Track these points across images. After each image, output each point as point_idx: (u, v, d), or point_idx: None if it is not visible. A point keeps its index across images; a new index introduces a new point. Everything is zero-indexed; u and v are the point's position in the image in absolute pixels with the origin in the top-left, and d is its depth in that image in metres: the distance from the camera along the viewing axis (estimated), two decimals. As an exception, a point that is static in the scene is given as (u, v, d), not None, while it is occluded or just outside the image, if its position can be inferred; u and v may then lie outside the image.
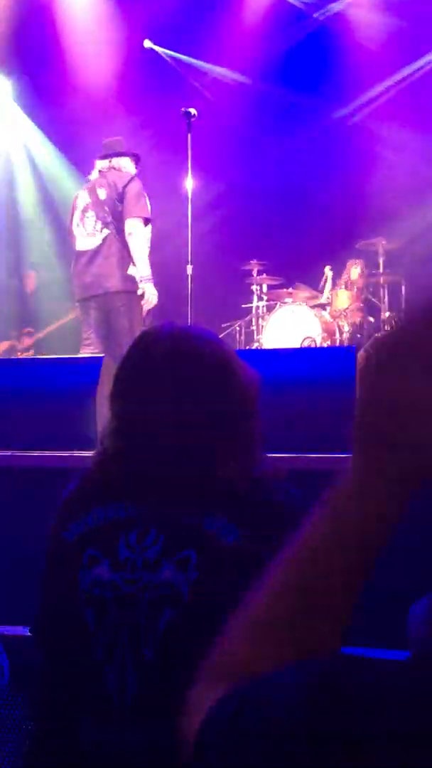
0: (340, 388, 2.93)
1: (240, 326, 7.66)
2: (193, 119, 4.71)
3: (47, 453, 2.99)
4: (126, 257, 4.61)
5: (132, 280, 4.58)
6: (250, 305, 7.63)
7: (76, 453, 2.93)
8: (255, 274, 7.55)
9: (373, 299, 7.42)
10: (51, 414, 3.25)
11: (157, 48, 8.54)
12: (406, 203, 7.66)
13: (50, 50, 7.97)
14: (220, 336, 6.97)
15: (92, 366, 3.40)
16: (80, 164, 7.54)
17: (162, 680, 1.11)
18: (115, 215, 4.61)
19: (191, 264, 4.87)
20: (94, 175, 4.89)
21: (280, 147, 8.04)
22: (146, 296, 4.61)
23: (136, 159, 4.88)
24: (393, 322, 7.18)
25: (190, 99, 7.83)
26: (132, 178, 4.57)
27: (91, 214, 4.68)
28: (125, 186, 4.55)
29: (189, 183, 4.91)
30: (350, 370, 2.97)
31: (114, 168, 4.78)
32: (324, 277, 7.63)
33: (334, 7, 7.93)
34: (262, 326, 7.25)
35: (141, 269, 4.58)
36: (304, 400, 2.90)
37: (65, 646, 1.19)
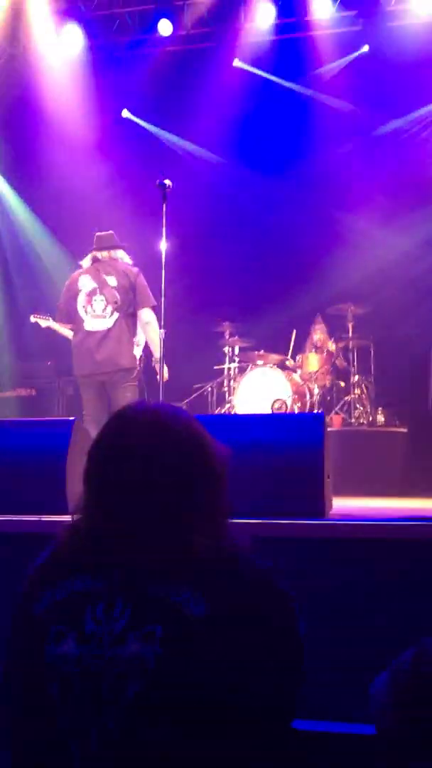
0: (308, 453, 2.99)
1: (212, 387, 7.75)
2: (168, 190, 4.88)
3: (16, 517, 2.98)
4: (131, 338, 5.22)
5: (135, 359, 5.22)
6: (222, 367, 7.74)
7: (46, 517, 2.93)
8: (227, 336, 7.69)
9: (343, 363, 7.57)
10: (21, 476, 3.26)
11: (134, 118, 8.87)
12: (374, 270, 7.91)
13: (30, 117, 8.20)
14: (193, 396, 7.09)
15: (63, 428, 3.42)
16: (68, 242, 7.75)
17: (127, 754, 1.11)
18: (125, 301, 5.20)
19: (163, 329, 4.98)
20: (86, 262, 5.41)
21: (253, 216, 8.30)
22: (165, 374, 5.13)
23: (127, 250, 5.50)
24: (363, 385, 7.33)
25: (167, 166, 8.14)
26: (139, 271, 5.12)
27: (100, 298, 5.19)
28: (137, 277, 5.15)
29: (163, 249, 5.05)
30: (318, 436, 3.04)
31: (113, 258, 5.37)
32: (290, 342, 7.79)
33: (310, 83, 8.32)
34: (234, 388, 7.35)
35: (156, 352, 5.18)
36: (272, 466, 2.95)
37: (29, 718, 1.19)
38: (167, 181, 4.89)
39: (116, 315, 5.20)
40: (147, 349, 5.50)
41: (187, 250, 7.57)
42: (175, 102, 8.44)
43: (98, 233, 5.51)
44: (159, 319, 5.04)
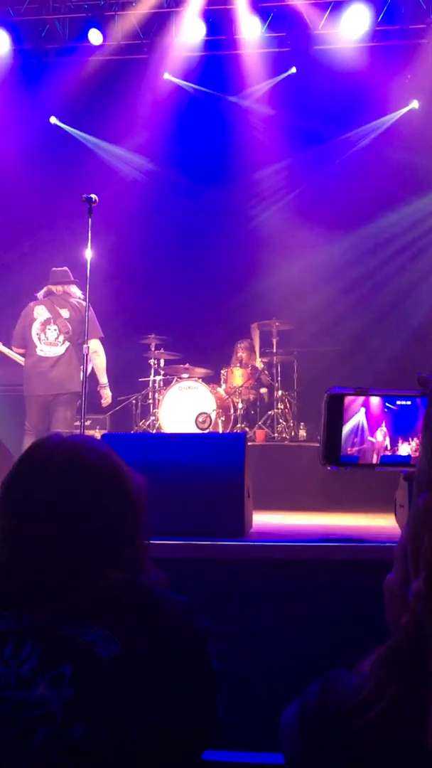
0: (228, 474, 3.01)
1: (137, 399, 7.71)
2: (94, 205, 4.86)
3: None
4: (79, 365, 5.73)
5: (80, 384, 5.61)
6: (147, 379, 7.71)
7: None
8: (153, 349, 7.67)
9: (267, 377, 7.67)
10: None
11: (62, 125, 8.78)
12: (298, 286, 8.06)
13: None
14: (117, 409, 7.04)
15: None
16: None
17: None
18: (76, 332, 5.72)
19: (87, 344, 4.95)
20: (41, 294, 6.01)
21: (180, 228, 8.33)
22: (106, 397, 6.12)
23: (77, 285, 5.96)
24: (287, 400, 7.44)
25: (94, 175, 8.08)
26: (89, 305, 5.46)
27: (53, 327, 5.81)
28: (87, 311, 5.43)
29: (89, 260, 5.02)
30: (239, 456, 3.07)
31: (66, 292, 5.94)
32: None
33: (238, 100, 8.44)
34: (159, 400, 7.33)
35: (102, 378, 6.00)
36: (192, 486, 2.96)
37: None
38: (93, 196, 4.88)
39: (67, 344, 5.79)
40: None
41: (113, 260, 7.53)
42: (105, 110, 8.40)
43: (54, 269, 6.04)
44: (80, 312, 5.35)
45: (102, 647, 1.15)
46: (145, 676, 1.15)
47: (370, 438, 1.24)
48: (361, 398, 1.23)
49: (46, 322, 5.82)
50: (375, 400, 1.23)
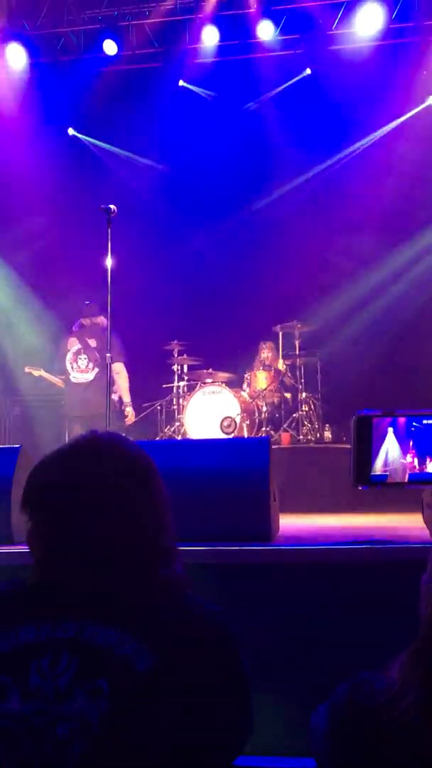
0: (253, 479, 3.01)
1: (161, 406, 7.73)
2: (112, 215, 4.89)
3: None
4: (107, 388, 6.12)
5: (111, 405, 6.02)
6: (171, 385, 7.74)
7: (-10, 549, 2.88)
8: (176, 355, 7.69)
9: (290, 380, 7.65)
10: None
11: (80, 136, 8.86)
12: (320, 288, 8.04)
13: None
14: (142, 415, 7.09)
15: (8, 457, 3.37)
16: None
17: None
18: (103, 359, 6.09)
19: (110, 353, 4.99)
20: (76, 327, 6.80)
21: (199, 233, 8.35)
22: (129, 415, 6.66)
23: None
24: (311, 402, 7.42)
25: (113, 184, 8.14)
26: (109, 329, 5.78)
27: (83, 357, 6.59)
28: (108, 331, 5.80)
29: (109, 271, 5.05)
30: (263, 461, 3.07)
31: (94, 324, 6.65)
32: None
33: (254, 104, 8.46)
34: (183, 406, 7.35)
35: (125, 397, 6.60)
36: (218, 492, 2.97)
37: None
38: (112, 206, 4.92)
39: (96, 370, 6.53)
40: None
41: (134, 268, 7.56)
42: (122, 120, 8.46)
43: (86, 303, 6.74)
44: (106, 339, 5.51)
45: (138, 660, 1.15)
46: (180, 688, 1.15)
47: (398, 457, 1.25)
48: (389, 418, 1.25)
49: (77, 352, 6.63)
50: (401, 420, 1.24)
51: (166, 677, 1.15)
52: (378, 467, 1.26)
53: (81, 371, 6.61)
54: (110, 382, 5.85)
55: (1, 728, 1.13)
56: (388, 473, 1.25)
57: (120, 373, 6.55)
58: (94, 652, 1.16)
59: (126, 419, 6.63)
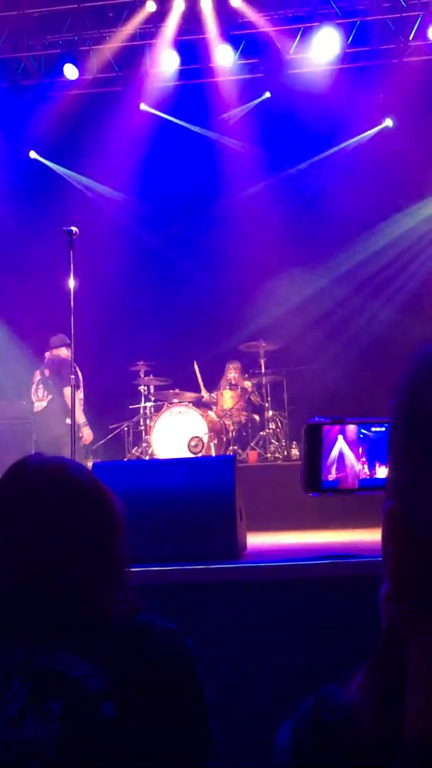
0: (219, 497, 3.01)
1: (128, 427, 7.70)
2: (74, 237, 4.90)
3: None
4: (59, 411, 6.81)
5: (66, 427, 6.45)
6: (138, 406, 7.71)
7: None
8: (142, 375, 7.68)
9: (257, 398, 7.69)
10: None
11: (42, 159, 8.87)
12: (284, 306, 8.12)
13: None
14: (109, 437, 7.05)
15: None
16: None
17: None
18: (56, 387, 6.88)
19: (74, 374, 4.99)
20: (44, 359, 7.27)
21: (163, 255, 8.40)
22: (85, 436, 6.88)
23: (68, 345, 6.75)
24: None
25: (75, 207, 8.15)
26: (71, 362, 6.16)
27: (41, 386, 7.08)
28: (65, 367, 6.47)
29: (72, 292, 5.05)
30: (229, 479, 3.07)
31: (55, 355, 7.03)
32: (196, 375, 7.87)
33: (212, 130, 8.58)
34: (151, 426, 7.33)
35: (79, 418, 6.56)
36: (184, 511, 2.96)
37: None
38: (73, 228, 4.93)
39: (50, 396, 6.95)
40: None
41: (97, 290, 7.56)
42: (83, 143, 8.50)
43: (52, 337, 7.08)
44: (58, 369, 6.08)
45: (90, 681, 1.13)
46: (134, 708, 1.14)
47: (348, 464, 1.27)
48: (338, 426, 1.27)
49: (37, 383, 7.15)
50: (351, 428, 1.26)
51: (119, 698, 1.13)
52: (328, 474, 1.28)
53: (39, 400, 7.11)
54: (71, 407, 6.14)
55: None
56: (338, 480, 1.27)
57: (67, 396, 6.65)
58: (46, 676, 1.14)
59: (82, 439, 6.76)
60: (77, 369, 6.46)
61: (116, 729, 1.11)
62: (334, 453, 1.25)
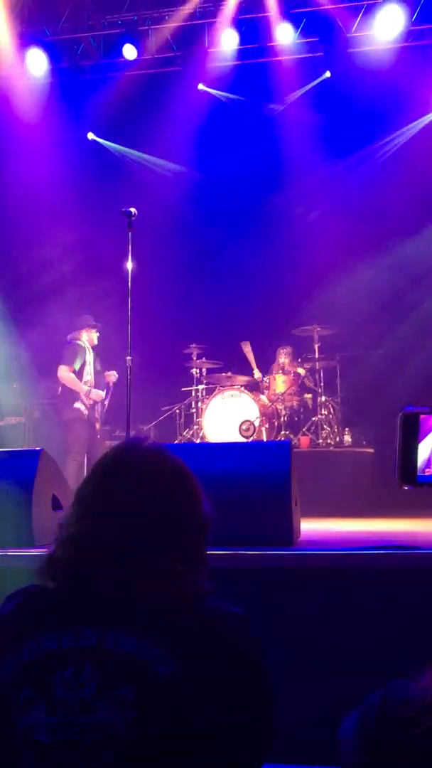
0: (275, 483, 2.99)
1: (180, 409, 7.73)
2: (133, 218, 4.89)
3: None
4: (64, 394, 6.79)
5: (68, 411, 6.72)
6: (190, 388, 7.73)
7: (11, 552, 2.88)
8: (194, 358, 7.69)
9: (310, 383, 7.62)
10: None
11: (100, 140, 8.90)
12: (339, 291, 7.99)
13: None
14: (161, 418, 7.09)
15: (29, 459, 3.38)
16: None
17: None
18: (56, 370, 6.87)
19: (130, 356, 4.99)
20: None
21: (219, 236, 8.35)
22: (93, 395, 6.76)
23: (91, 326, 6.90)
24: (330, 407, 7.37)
25: (133, 189, 8.16)
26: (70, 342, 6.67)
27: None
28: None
29: (129, 275, 5.06)
30: (285, 465, 3.05)
31: (72, 337, 6.86)
32: (248, 355, 7.84)
33: (273, 108, 8.45)
34: (202, 410, 7.34)
35: (81, 391, 6.69)
36: (239, 496, 2.95)
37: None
38: (132, 209, 4.92)
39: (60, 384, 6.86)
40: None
41: (153, 272, 7.57)
42: (141, 124, 8.48)
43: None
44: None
45: (161, 666, 1.14)
46: (204, 692, 1.14)
47: None
48: None
49: None
50: None
51: (189, 682, 1.14)
52: (425, 467, 1.24)
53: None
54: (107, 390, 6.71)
55: (30, 741, 1.12)
56: None
57: (62, 376, 6.73)
58: (117, 660, 1.15)
59: (91, 396, 6.72)
60: (85, 348, 6.68)
61: (186, 713, 1.11)
62: (430, 444, 1.22)
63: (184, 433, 7.58)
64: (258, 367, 7.77)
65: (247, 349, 7.80)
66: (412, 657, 1.27)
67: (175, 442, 7.32)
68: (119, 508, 1.26)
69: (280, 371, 7.56)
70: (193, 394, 7.67)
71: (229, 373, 7.57)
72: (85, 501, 1.32)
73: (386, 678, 1.31)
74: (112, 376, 6.85)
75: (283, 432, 7.20)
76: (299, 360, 7.66)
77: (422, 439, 1.22)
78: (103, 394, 6.84)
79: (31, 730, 1.12)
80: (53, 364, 6.91)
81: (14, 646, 1.19)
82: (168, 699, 1.12)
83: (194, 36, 7.98)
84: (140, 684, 1.12)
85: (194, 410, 7.58)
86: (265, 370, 7.77)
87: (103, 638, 1.17)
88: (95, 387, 6.83)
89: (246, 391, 7.25)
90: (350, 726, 1.28)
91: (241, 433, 6.93)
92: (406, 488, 1.25)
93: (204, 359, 7.71)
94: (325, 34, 7.79)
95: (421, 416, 1.22)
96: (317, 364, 7.50)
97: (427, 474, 1.23)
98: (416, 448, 1.22)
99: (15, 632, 1.22)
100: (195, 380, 7.71)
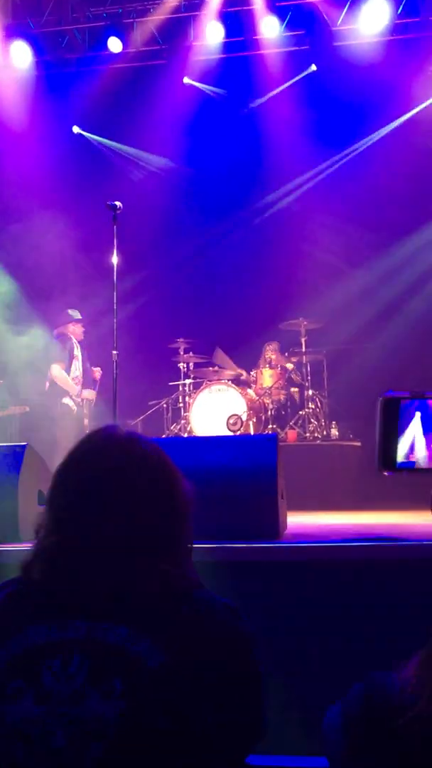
0: (261, 476, 3.00)
1: (167, 403, 7.73)
2: (118, 212, 4.87)
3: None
4: (52, 391, 6.70)
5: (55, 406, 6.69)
6: (177, 383, 7.73)
7: (-3, 547, 2.87)
8: (182, 352, 7.68)
9: (297, 377, 7.63)
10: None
11: (85, 133, 8.85)
12: (325, 285, 8.01)
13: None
14: (148, 413, 7.08)
15: (14, 455, 3.36)
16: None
17: None
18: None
19: (116, 350, 4.98)
20: None
21: (204, 231, 8.34)
22: (83, 394, 6.75)
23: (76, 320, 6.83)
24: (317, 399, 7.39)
25: (118, 182, 8.13)
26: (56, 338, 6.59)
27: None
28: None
29: (115, 269, 5.04)
30: (271, 458, 3.05)
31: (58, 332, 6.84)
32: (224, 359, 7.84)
33: (259, 101, 8.44)
34: (189, 404, 7.34)
35: (71, 390, 6.66)
36: (225, 489, 2.95)
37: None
38: (117, 203, 4.90)
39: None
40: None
41: (139, 265, 7.56)
42: (126, 117, 8.44)
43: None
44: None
45: (150, 656, 1.14)
46: (194, 683, 1.14)
47: (426, 442, 1.21)
48: (416, 402, 1.20)
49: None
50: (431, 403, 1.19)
51: (179, 673, 1.14)
52: (402, 453, 1.22)
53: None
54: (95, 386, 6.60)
55: (18, 731, 1.12)
56: (414, 459, 1.21)
57: (55, 375, 6.67)
58: (106, 651, 1.14)
59: (83, 396, 6.74)
60: (73, 343, 6.63)
61: (174, 704, 1.11)
62: (411, 430, 1.20)
63: (172, 427, 7.57)
64: (245, 362, 7.78)
65: (220, 356, 7.79)
66: (399, 648, 1.27)
67: (163, 436, 7.32)
68: (98, 496, 1.25)
69: (267, 365, 7.56)
70: (180, 388, 7.66)
71: (217, 368, 7.56)
72: (64, 481, 1.30)
73: (373, 669, 1.32)
74: (97, 372, 6.81)
75: (270, 426, 7.21)
76: (286, 354, 7.67)
77: (407, 426, 1.21)
78: (94, 394, 6.80)
79: (18, 722, 1.12)
80: (39, 358, 6.86)
81: (2, 638, 1.19)
82: (158, 690, 1.12)
83: (179, 29, 7.95)
84: (130, 675, 1.12)
85: (181, 404, 7.58)
86: (252, 364, 7.77)
87: (92, 629, 1.16)
88: (84, 382, 6.77)
89: (233, 386, 7.25)
90: (334, 717, 1.29)
91: (228, 428, 6.93)
92: (386, 474, 1.24)
93: (191, 354, 7.70)
94: (310, 27, 7.78)
95: (403, 402, 1.21)
96: (304, 357, 7.51)
97: (411, 460, 1.22)
98: (396, 434, 1.21)
99: (3, 624, 1.22)
100: (182, 374, 7.71)
